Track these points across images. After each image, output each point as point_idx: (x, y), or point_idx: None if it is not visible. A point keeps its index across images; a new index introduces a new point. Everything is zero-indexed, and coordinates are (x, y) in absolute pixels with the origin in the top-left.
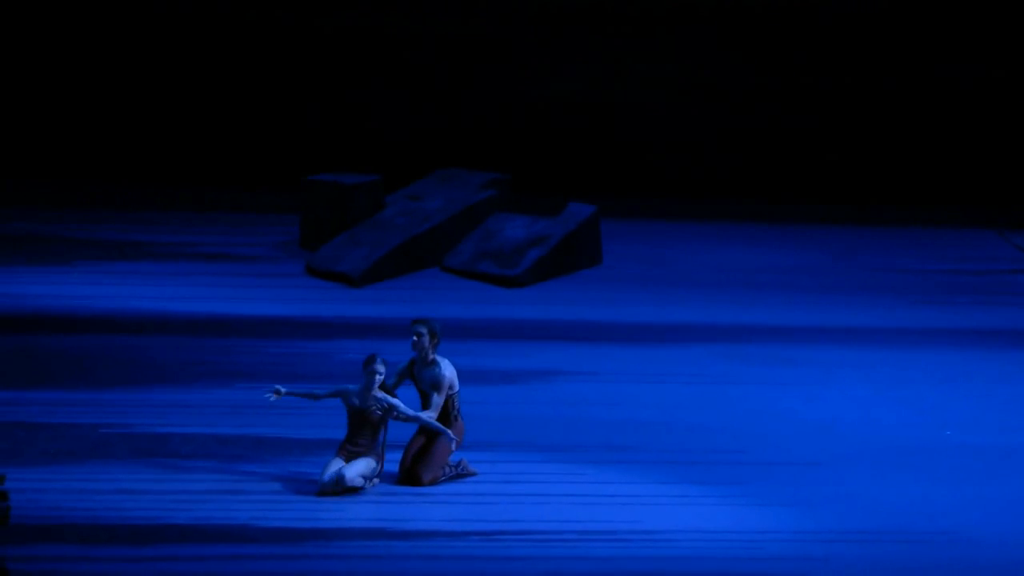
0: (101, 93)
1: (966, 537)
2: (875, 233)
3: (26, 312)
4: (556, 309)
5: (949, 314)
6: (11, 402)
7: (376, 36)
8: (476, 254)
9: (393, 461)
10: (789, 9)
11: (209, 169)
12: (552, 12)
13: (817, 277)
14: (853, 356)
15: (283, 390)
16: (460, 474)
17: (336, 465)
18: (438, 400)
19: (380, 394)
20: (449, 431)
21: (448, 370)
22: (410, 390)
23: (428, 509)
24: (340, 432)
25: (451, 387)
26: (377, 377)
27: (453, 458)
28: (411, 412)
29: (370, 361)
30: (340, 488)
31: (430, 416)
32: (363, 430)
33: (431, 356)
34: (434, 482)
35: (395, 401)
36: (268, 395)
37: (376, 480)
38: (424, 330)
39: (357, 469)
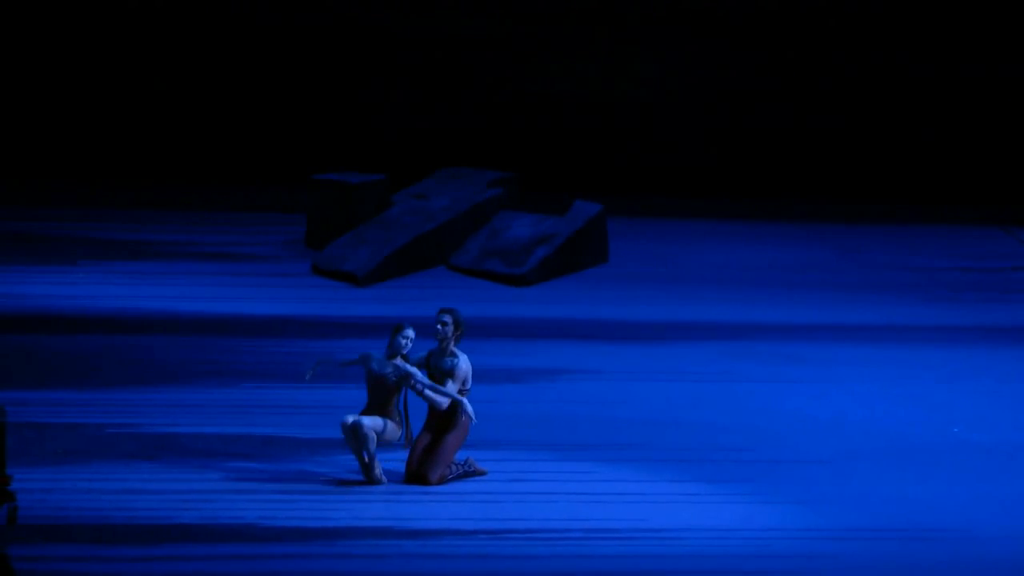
0: (106, 91)
1: (974, 534)
2: (882, 230)
3: (31, 312)
4: (563, 308)
5: (956, 311)
6: (18, 402)
7: (382, 34)
8: (482, 253)
9: (399, 460)
10: (795, 7)
11: (214, 168)
12: (559, 10)
13: (824, 274)
14: (860, 354)
15: (318, 367)
16: (468, 472)
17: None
18: (452, 387)
19: (400, 362)
20: (465, 401)
21: (465, 363)
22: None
23: (435, 508)
24: None
25: (464, 382)
26: (402, 341)
27: (460, 457)
28: (427, 382)
29: (399, 328)
30: (355, 434)
31: (444, 393)
32: (379, 397)
33: (452, 347)
34: (442, 481)
35: (413, 370)
36: (307, 374)
37: (401, 442)
38: (449, 319)
39: (376, 423)
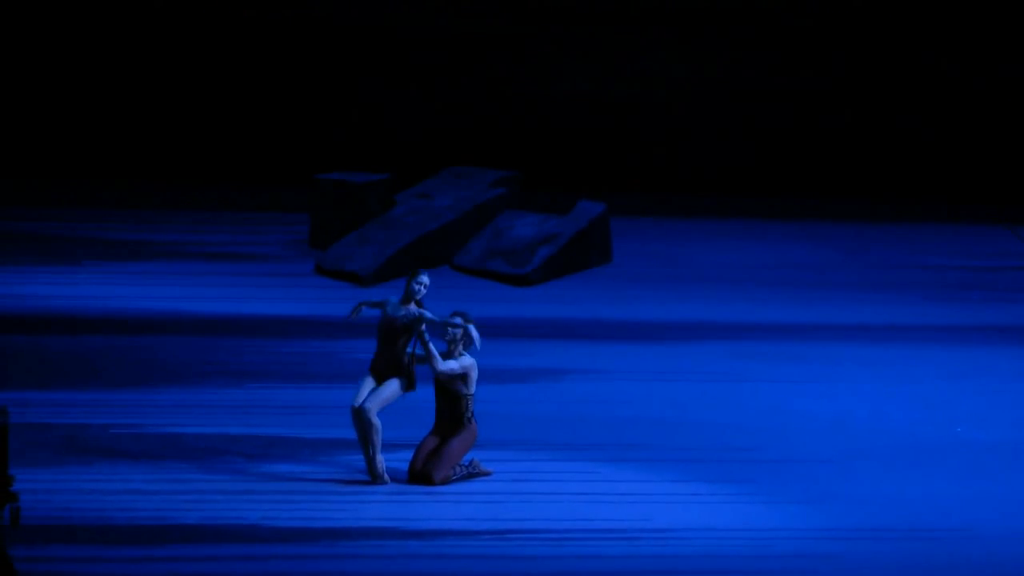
0: (109, 92)
1: (978, 533)
2: (886, 230)
3: (35, 312)
4: (566, 307)
5: (960, 311)
6: (21, 403)
7: (386, 34)
8: (486, 252)
9: (403, 460)
10: (799, 6)
11: (218, 168)
12: (562, 10)
13: (828, 274)
14: (864, 353)
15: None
16: (472, 473)
17: (366, 388)
18: (454, 364)
19: (413, 307)
20: (472, 327)
21: (470, 360)
22: (427, 390)
23: (439, 508)
24: (348, 432)
25: (467, 381)
26: (416, 287)
27: (464, 458)
28: (437, 320)
29: (415, 273)
30: (359, 420)
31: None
32: (388, 341)
33: (460, 350)
34: (445, 481)
35: (426, 313)
36: (352, 314)
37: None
38: (460, 320)
39: (381, 396)
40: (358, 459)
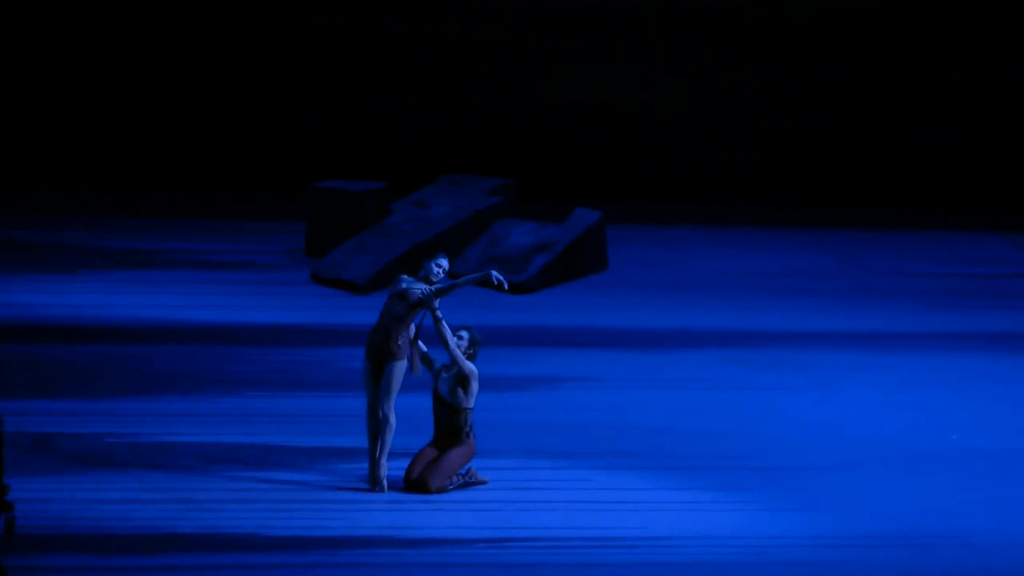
0: (105, 100)
1: (975, 541)
2: (883, 237)
3: (31, 321)
4: (562, 315)
5: (957, 318)
6: (17, 412)
7: (382, 42)
8: (482, 260)
9: (401, 468)
10: (794, 12)
11: (214, 176)
12: (557, 17)
13: (825, 281)
14: (861, 360)
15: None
16: (469, 482)
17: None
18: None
19: (428, 286)
20: (493, 273)
21: (475, 369)
22: (426, 398)
23: (435, 516)
24: (344, 440)
25: (467, 391)
26: (434, 268)
27: (461, 468)
28: (449, 283)
29: (436, 255)
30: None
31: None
32: (393, 318)
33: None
34: (442, 490)
35: (442, 285)
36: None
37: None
38: (466, 335)
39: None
40: (355, 467)
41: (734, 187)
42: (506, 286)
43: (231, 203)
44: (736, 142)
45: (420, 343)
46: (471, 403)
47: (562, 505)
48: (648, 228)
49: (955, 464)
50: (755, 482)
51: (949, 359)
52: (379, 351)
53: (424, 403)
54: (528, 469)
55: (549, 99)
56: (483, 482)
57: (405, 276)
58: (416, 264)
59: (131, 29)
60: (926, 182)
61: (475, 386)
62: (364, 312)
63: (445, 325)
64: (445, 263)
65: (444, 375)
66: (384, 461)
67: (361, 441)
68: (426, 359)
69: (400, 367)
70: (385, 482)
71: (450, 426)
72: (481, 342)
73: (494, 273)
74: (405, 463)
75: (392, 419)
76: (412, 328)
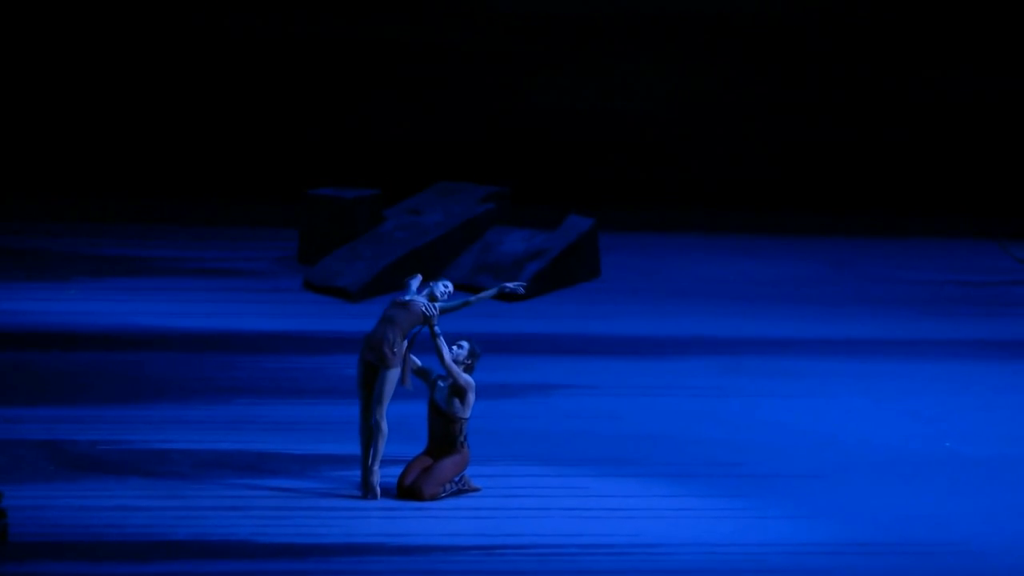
0: (99, 108)
1: (968, 548)
2: (875, 244)
3: (24, 328)
4: (555, 322)
5: (949, 325)
6: (10, 419)
7: (376, 49)
8: (475, 267)
9: (394, 476)
10: (788, 19)
11: (208, 183)
12: (550, 24)
13: (816, 288)
14: (853, 367)
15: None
16: (462, 490)
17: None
18: (459, 369)
19: (433, 303)
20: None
21: (472, 380)
22: (419, 406)
23: (428, 524)
24: (337, 447)
25: (464, 402)
26: (443, 290)
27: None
28: (460, 301)
29: (441, 277)
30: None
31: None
32: (391, 323)
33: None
34: (435, 497)
35: (452, 303)
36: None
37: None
38: (466, 344)
39: (382, 398)
40: (348, 474)
41: (727, 194)
42: (522, 290)
43: (224, 210)
44: (729, 150)
45: (413, 357)
46: (467, 413)
47: (555, 512)
48: (641, 235)
49: (948, 471)
50: (748, 489)
51: (942, 366)
52: (373, 357)
53: (418, 411)
54: (520, 476)
55: (542, 106)
56: (476, 489)
57: (415, 283)
58: (409, 272)
59: (125, 37)
60: (919, 190)
61: (472, 397)
62: (357, 319)
63: (442, 341)
64: (451, 287)
65: (441, 384)
66: (376, 468)
67: (354, 448)
68: (420, 371)
69: (393, 375)
70: (378, 489)
71: (445, 435)
72: (480, 354)
73: (507, 284)
74: (398, 470)
75: (384, 426)
76: (406, 341)
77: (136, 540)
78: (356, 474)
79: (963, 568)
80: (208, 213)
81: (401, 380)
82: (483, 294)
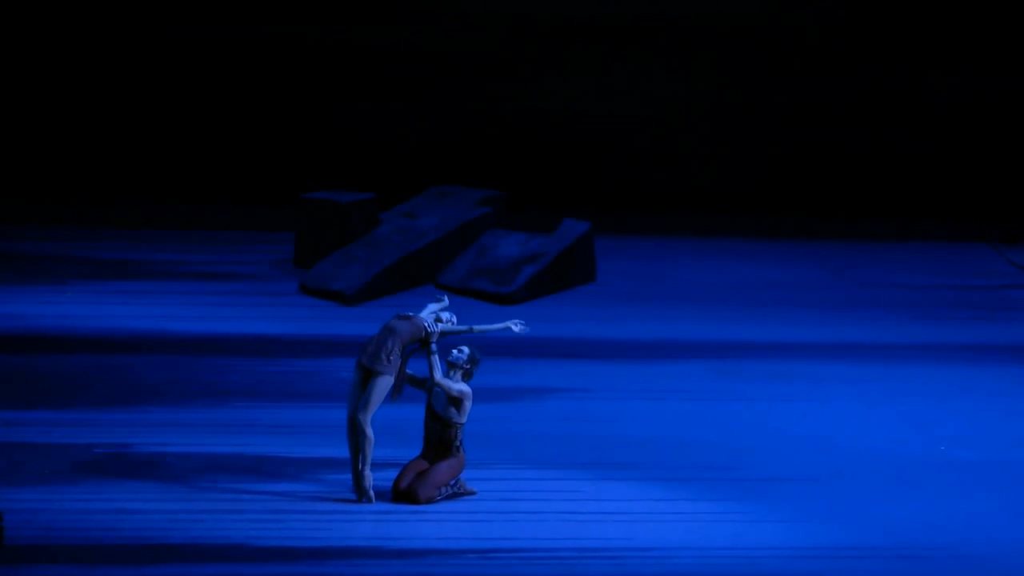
0: (95, 112)
1: (962, 552)
2: (870, 248)
3: (21, 331)
4: (550, 326)
5: (944, 329)
6: (7, 422)
7: (371, 53)
8: (471, 271)
9: (389, 479)
10: (783, 24)
11: (204, 187)
12: (546, 28)
13: (812, 292)
14: (849, 372)
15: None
16: (458, 493)
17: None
18: (451, 383)
19: (437, 325)
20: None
21: (468, 388)
22: (415, 410)
23: (423, 527)
24: (333, 451)
25: (460, 409)
26: (445, 314)
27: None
28: (463, 328)
29: (447, 308)
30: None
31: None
32: (391, 334)
33: (459, 379)
34: (430, 501)
35: (455, 328)
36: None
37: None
38: (466, 349)
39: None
40: (344, 478)
41: (723, 199)
42: (527, 332)
43: (220, 214)
44: (725, 154)
45: (409, 371)
46: (463, 419)
47: (550, 516)
48: (637, 239)
49: (943, 475)
50: (743, 493)
51: (937, 370)
52: (369, 362)
53: (412, 415)
54: (516, 480)
55: (538, 110)
56: (471, 493)
57: (434, 305)
58: (405, 275)
59: (120, 41)
60: (914, 194)
61: (468, 404)
62: (352, 323)
63: (436, 359)
64: (454, 318)
65: (438, 389)
66: (367, 472)
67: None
68: (414, 380)
69: (384, 382)
70: (371, 492)
71: (440, 439)
72: (479, 359)
73: (514, 325)
74: (393, 474)
75: (369, 431)
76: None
77: (132, 543)
78: (351, 478)
79: (957, 572)
80: (204, 217)
81: (391, 394)
82: (488, 328)
